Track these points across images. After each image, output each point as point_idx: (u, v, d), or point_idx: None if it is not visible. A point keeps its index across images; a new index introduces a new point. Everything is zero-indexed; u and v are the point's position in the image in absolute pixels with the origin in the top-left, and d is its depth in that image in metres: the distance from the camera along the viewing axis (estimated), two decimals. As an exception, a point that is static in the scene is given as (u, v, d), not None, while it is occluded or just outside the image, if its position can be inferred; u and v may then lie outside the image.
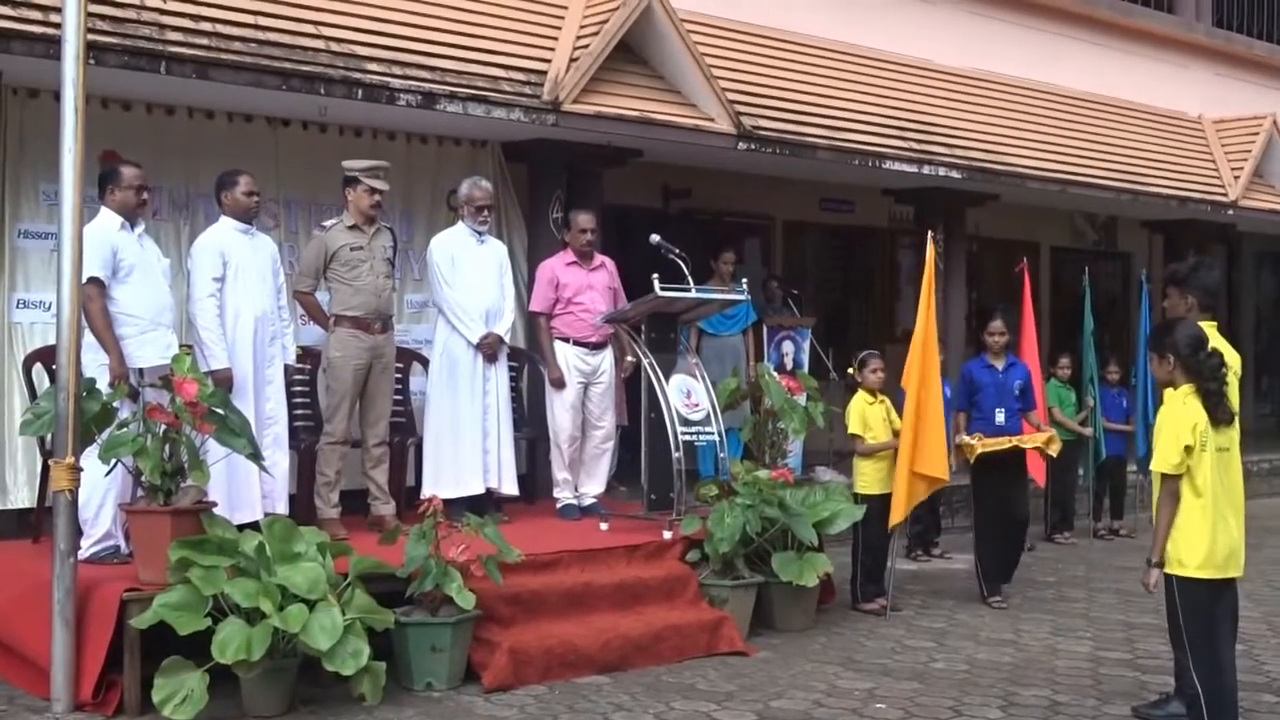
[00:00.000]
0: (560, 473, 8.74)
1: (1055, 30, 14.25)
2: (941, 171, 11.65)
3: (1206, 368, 5.41)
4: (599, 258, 8.92)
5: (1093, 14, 14.54)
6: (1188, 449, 5.35)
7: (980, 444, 8.66)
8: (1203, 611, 5.42)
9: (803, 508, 7.92)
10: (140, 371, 6.81)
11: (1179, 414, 5.41)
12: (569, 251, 8.84)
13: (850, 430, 8.56)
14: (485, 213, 8.53)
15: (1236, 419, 5.52)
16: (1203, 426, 5.37)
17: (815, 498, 8.12)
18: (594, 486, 8.81)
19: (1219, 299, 6.42)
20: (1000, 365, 8.90)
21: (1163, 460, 5.40)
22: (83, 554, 6.38)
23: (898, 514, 8.28)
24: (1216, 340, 6.25)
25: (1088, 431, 11.38)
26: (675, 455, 7.96)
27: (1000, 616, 8.36)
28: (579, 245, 8.78)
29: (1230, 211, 14.35)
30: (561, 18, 9.49)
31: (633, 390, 9.07)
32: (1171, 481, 5.40)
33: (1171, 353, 5.50)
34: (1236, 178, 14.33)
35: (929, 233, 8.96)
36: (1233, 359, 6.21)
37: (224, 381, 7.09)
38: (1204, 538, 5.38)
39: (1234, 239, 17.57)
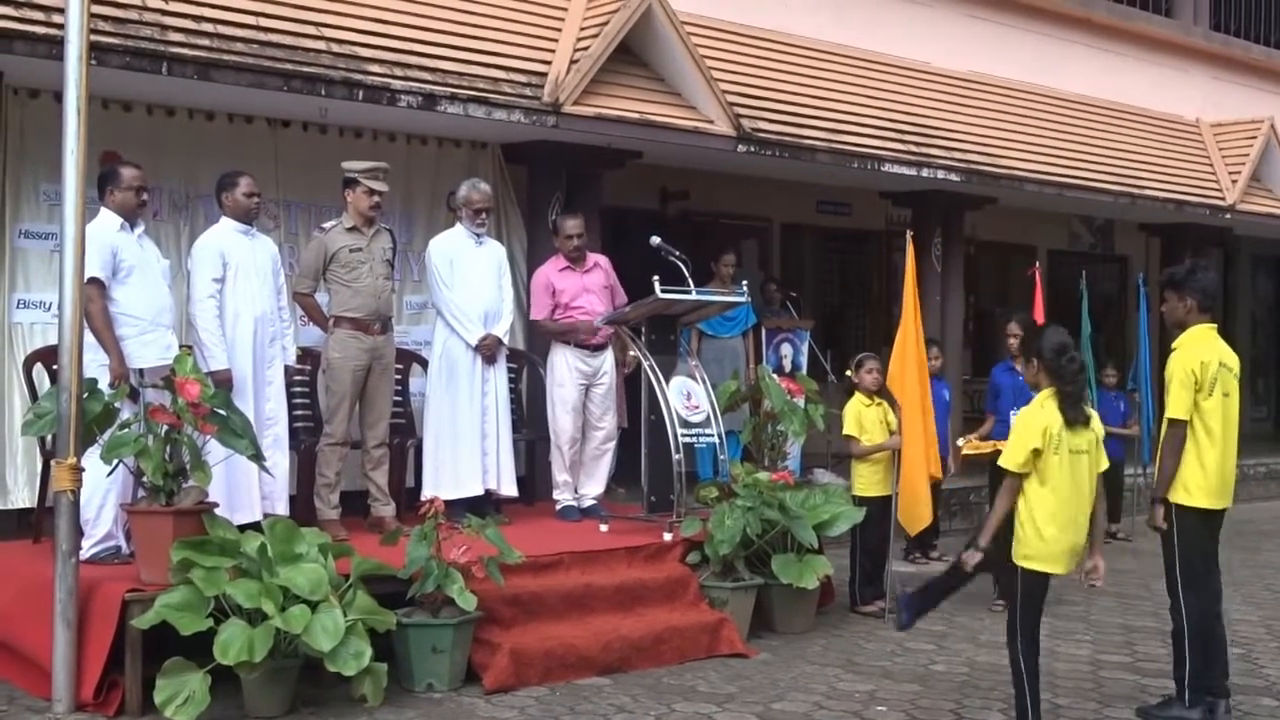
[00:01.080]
0: (560, 474, 8.74)
1: (1053, 34, 14.28)
2: (939, 174, 11.67)
3: (1067, 372, 5.60)
4: (592, 258, 8.93)
5: (1091, 17, 14.58)
6: (1035, 451, 5.53)
7: (968, 446, 8.68)
8: (1033, 600, 5.66)
9: (803, 510, 7.93)
10: (140, 372, 6.81)
11: (1034, 417, 5.60)
12: (561, 257, 8.84)
13: (845, 432, 8.58)
14: (483, 215, 8.54)
15: (1094, 421, 5.68)
16: (1055, 429, 5.54)
17: (815, 500, 8.13)
18: (594, 488, 8.82)
19: (1217, 301, 6.47)
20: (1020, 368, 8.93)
21: (1009, 458, 5.59)
22: (84, 554, 6.37)
23: (921, 519, 8.35)
24: (1215, 342, 6.34)
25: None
26: (675, 457, 7.97)
27: (1000, 619, 8.30)
28: (567, 250, 8.79)
29: (1228, 215, 14.39)
30: (562, 19, 9.51)
31: (632, 392, 9.08)
32: (1014, 479, 5.59)
33: (1036, 357, 5.68)
34: (1234, 181, 14.36)
35: (908, 233, 8.99)
36: (1231, 361, 6.31)
37: (224, 382, 7.09)
38: (1050, 531, 5.56)
39: (1231, 242, 17.59)
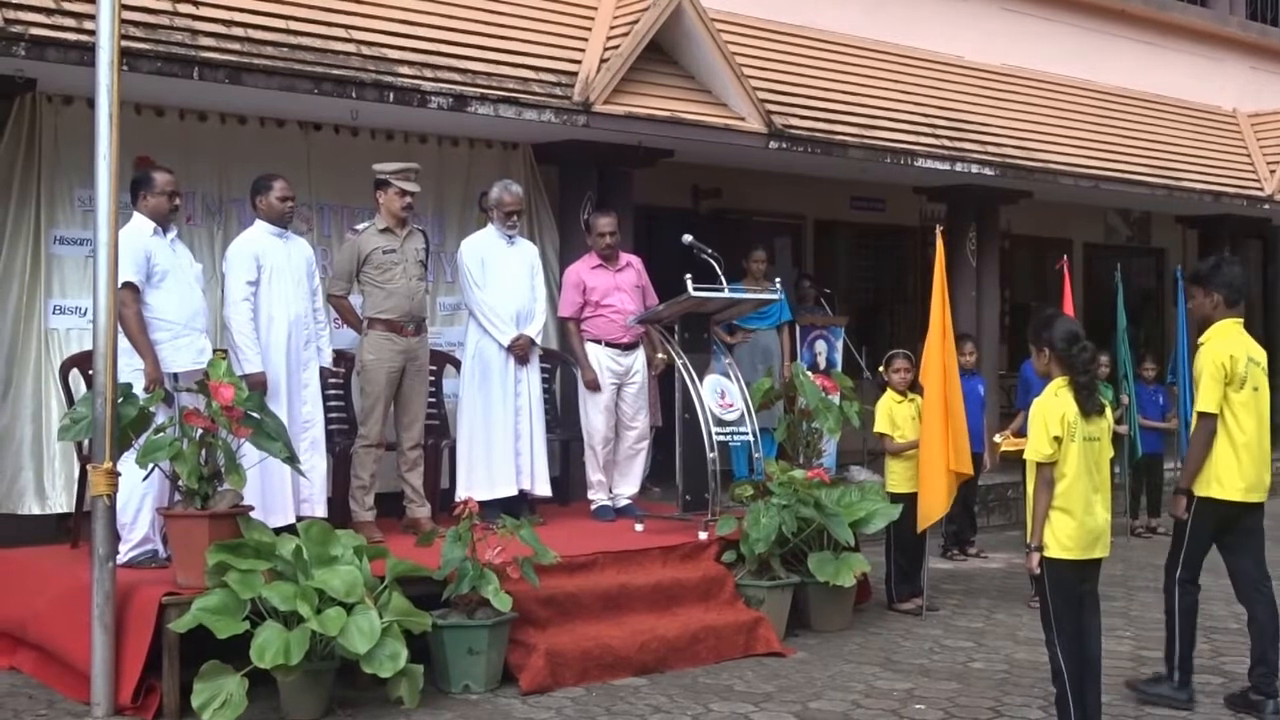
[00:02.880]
0: (595, 474, 8.73)
1: (1088, 25, 14.18)
2: (974, 169, 11.60)
3: (1079, 361, 5.61)
4: (625, 257, 8.92)
5: (1126, 9, 14.46)
6: (1056, 439, 5.55)
7: (1005, 442, 8.60)
8: (1067, 588, 5.64)
9: (839, 507, 7.90)
10: (175, 376, 6.83)
11: (1050, 405, 5.62)
12: (594, 255, 8.83)
13: (876, 429, 8.54)
14: (514, 217, 8.55)
15: (1108, 409, 5.73)
16: (1071, 417, 5.57)
17: (851, 497, 8.10)
18: (628, 487, 8.80)
19: (1244, 295, 6.50)
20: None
21: (1035, 450, 5.60)
22: (121, 558, 6.41)
23: (934, 514, 8.24)
24: (1242, 337, 6.37)
25: (1123, 429, 11.28)
26: (710, 455, 7.95)
27: (1039, 616, 8.29)
28: (600, 248, 8.78)
29: (1266, 206, 14.23)
30: (591, 18, 9.49)
31: (667, 391, 9.06)
32: (1045, 469, 5.60)
33: (1048, 346, 5.70)
34: (1273, 172, 14.21)
35: (938, 228, 8.93)
36: (1259, 355, 6.34)
37: (258, 385, 7.11)
38: (1066, 520, 5.59)
39: (1270, 234, 17.44)
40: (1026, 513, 5.76)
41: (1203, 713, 6.33)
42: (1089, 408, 5.61)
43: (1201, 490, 6.26)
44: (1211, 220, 14.82)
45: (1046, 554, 5.62)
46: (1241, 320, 6.38)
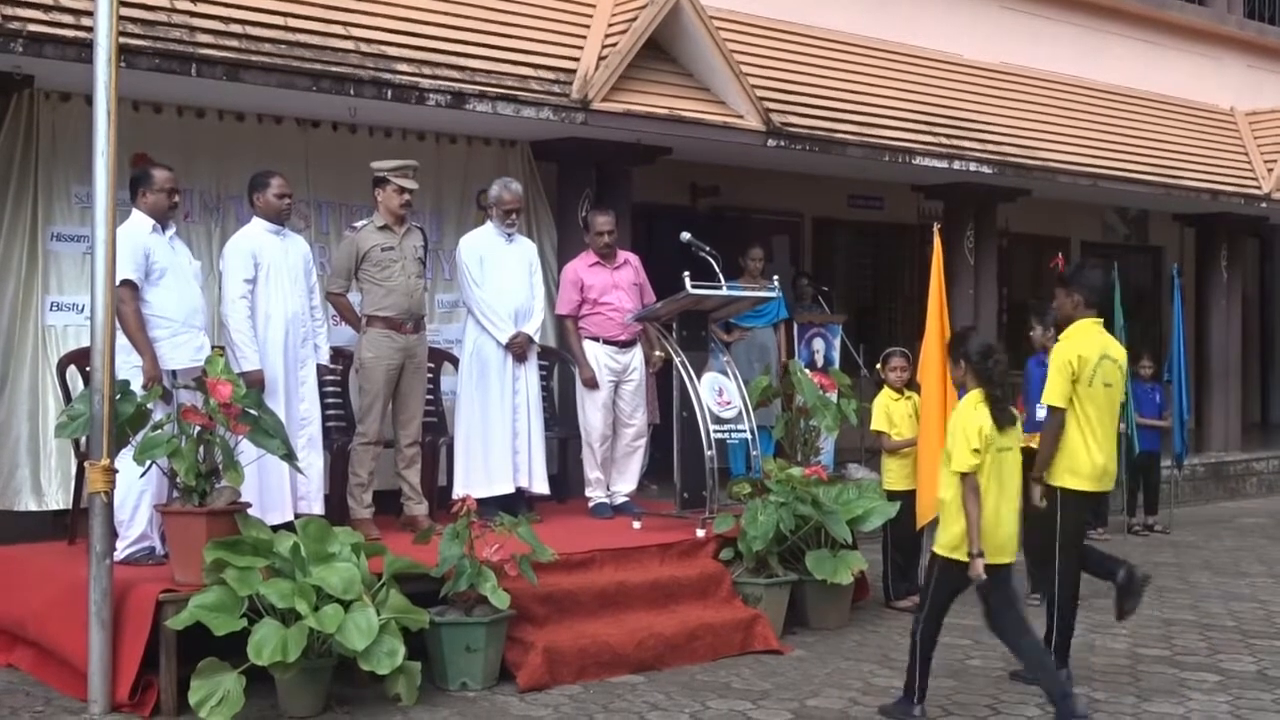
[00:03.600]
0: (592, 472, 8.73)
1: (1086, 24, 14.18)
2: (972, 167, 11.60)
3: (994, 374, 5.91)
4: (622, 255, 8.92)
5: (1124, 7, 14.46)
6: (976, 451, 5.83)
7: None
8: (954, 586, 5.98)
9: (836, 505, 7.90)
10: (173, 373, 6.83)
11: (969, 419, 5.90)
12: (592, 252, 8.83)
13: (873, 427, 8.54)
14: (513, 215, 8.55)
15: (1018, 422, 6.04)
16: (988, 430, 5.85)
17: (849, 495, 8.09)
18: (626, 485, 8.80)
19: (1103, 297, 6.85)
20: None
21: (960, 462, 5.87)
22: (118, 555, 6.40)
23: (931, 511, 8.22)
24: (1100, 335, 6.69)
25: (1121, 427, 11.27)
26: (708, 453, 7.95)
27: (1036, 614, 8.26)
28: (598, 246, 8.78)
29: (1263, 204, 14.24)
30: (590, 16, 9.48)
31: (665, 388, 9.05)
32: (970, 479, 5.84)
33: (964, 359, 6.01)
34: (1270, 170, 14.22)
35: (935, 226, 8.93)
36: (1116, 353, 6.69)
37: (256, 383, 7.10)
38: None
39: (1266, 232, 17.45)
40: (946, 521, 5.99)
41: (1198, 706, 6.33)
42: (1002, 420, 5.88)
43: (1056, 480, 6.56)
44: (1208, 218, 14.83)
45: (949, 555, 5.90)
46: (1100, 320, 6.71)
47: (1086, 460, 6.54)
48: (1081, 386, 6.52)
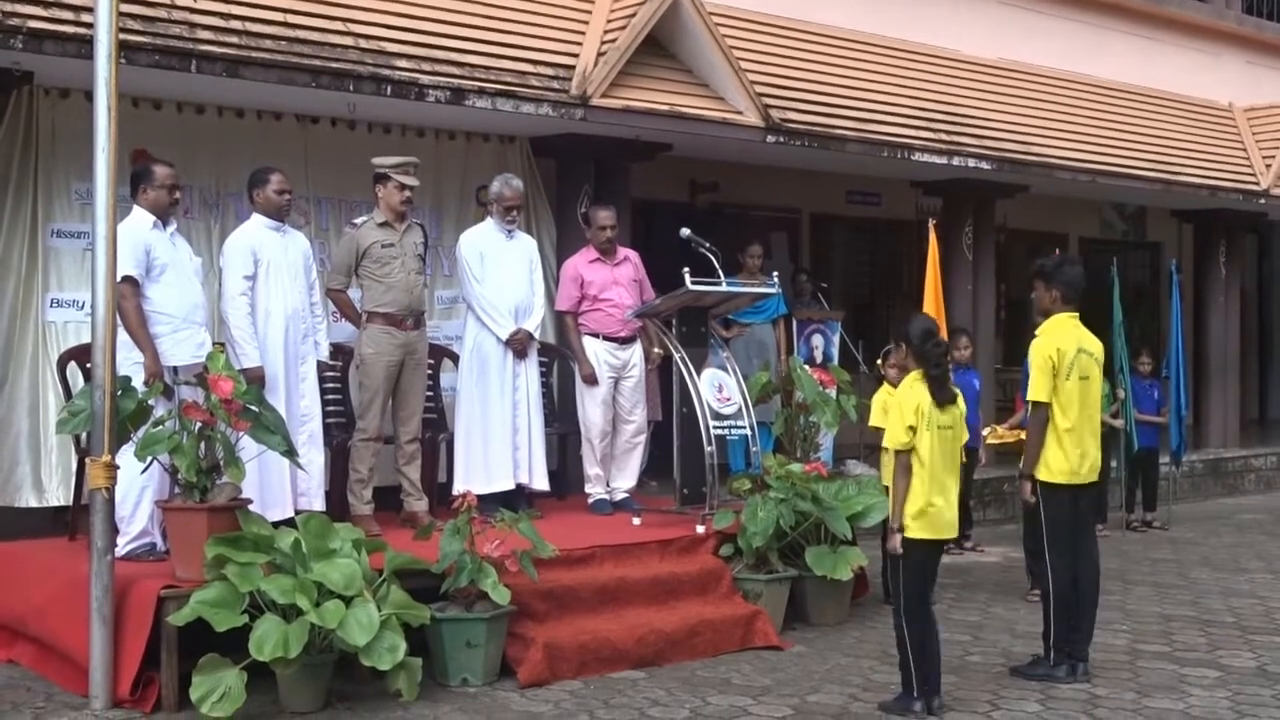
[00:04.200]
0: (592, 468, 8.74)
1: (1084, 20, 14.18)
2: (970, 163, 11.61)
3: (933, 355, 6.09)
4: (622, 251, 8.93)
5: (1123, 2, 14.47)
6: (911, 428, 6.03)
7: (992, 436, 8.63)
8: (921, 568, 6.17)
9: (836, 501, 7.92)
10: (174, 369, 6.84)
11: (906, 396, 6.12)
12: (592, 249, 8.84)
13: (872, 423, 8.54)
14: (514, 212, 8.57)
15: (959, 399, 6.21)
16: (925, 407, 6.04)
17: (848, 491, 8.11)
18: (626, 481, 8.81)
19: (1080, 293, 6.95)
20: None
21: (892, 438, 6.14)
22: (119, 551, 6.41)
23: None
24: (1076, 329, 6.82)
25: (1119, 423, 11.30)
26: (708, 450, 7.96)
27: (1036, 609, 8.27)
28: (600, 242, 8.78)
29: (1262, 200, 14.25)
30: (589, 12, 9.48)
31: (666, 385, 9.06)
32: (903, 456, 6.08)
33: (905, 342, 6.20)
34: (1268, 166, 14.23)
35: (930, 222, 8.95)
36: (1092, 347, 6.84)
37: (256, 379, 7.10)
38: (920, 502, 6.05)
39: (1265, 228, 17.45)
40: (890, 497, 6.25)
41: (1198, 702, 6.34)
42: (941, 397, 6.07)
43: (1037, 475, 6.74)
44: (1207, 214, 14.83)
45: (906, 534, 6.08)
46: (1077, 315, 6.85)
47: (1062, 454, 6.68)
48: (1059, 380, 6.68)
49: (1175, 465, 12.42)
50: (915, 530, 6.07)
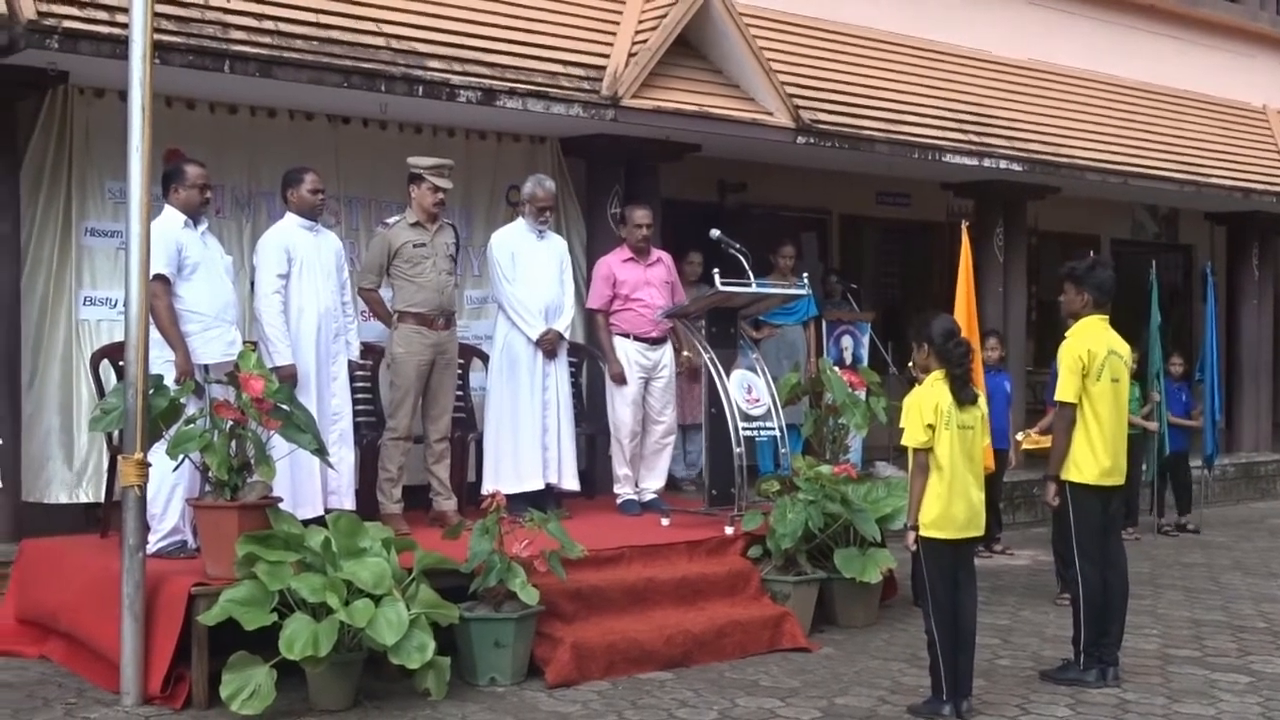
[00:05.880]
0: (621, 468, 8.73)
1: (1116, 20, 14.08)
2: (1001, 164, 11.56)
3: (954, 355, 6.09)
4: (656, 252, 8.92)
5: (1154, 3, 14.36)
6: (930, 426, 6.03)
7: (1027, 441, 8.58)
8: (943, 568, 6.09)
9: (865, 503, 7.90)
10: (205, 368, 6.87)
11: (925, 395, 6.11)
12: (626, 248, 8.84)
13: (903, 425, 8.50)
14: (547, 213, 8.57)
15: (981, 399, 6.23)
16: (945, 406, 6.04)
17: (878, 493, 8.10)
18: (655, 482, 8.80)
19: (1111, 297, 6.95)
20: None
21: (911, 437, 6.11)
22: (151, 549, 6.44)
23: None
24: (1106, 332, 6.82)
25: (1153, 426, 11.22)
26: (736, 451, 7.95)
27: (1065, 614, 8.23)
28: (635, 241, 8.78)
29: (1296, 203, 14.15)
30: (620, 13, 9.48)
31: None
32: (920, 455, 6.08)
33: (927, 341, 6.20)
34: (1302, 168, 14.13)
35: (963, 224, 8.91)
36: (1121, 349, 6.85)
37: (288, 378, 7.12)
38: (940, 502, 6.04)
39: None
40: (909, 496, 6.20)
41: (1229, 708, 6.30)
42: (963, 398, 6.07)
43: (1064, 475, 6.74)
44: (1240, 217, 14.74)
45: (924, 533, 6.07)
46: (1106, 317, 6.86)
47: (1091, 455, 6.68)
48: (1090, 382, 6.68)
49: (1208, 469, 12.33)
50: (932, 530, 6.06)
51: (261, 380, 6.25)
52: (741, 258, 8.47)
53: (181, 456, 6.33)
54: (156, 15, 6.41)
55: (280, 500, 6.52)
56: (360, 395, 8.35)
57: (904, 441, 6.17)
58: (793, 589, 7.57)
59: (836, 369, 9.05)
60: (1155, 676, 6.87)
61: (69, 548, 7.21)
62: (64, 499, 7.90)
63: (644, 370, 8.68)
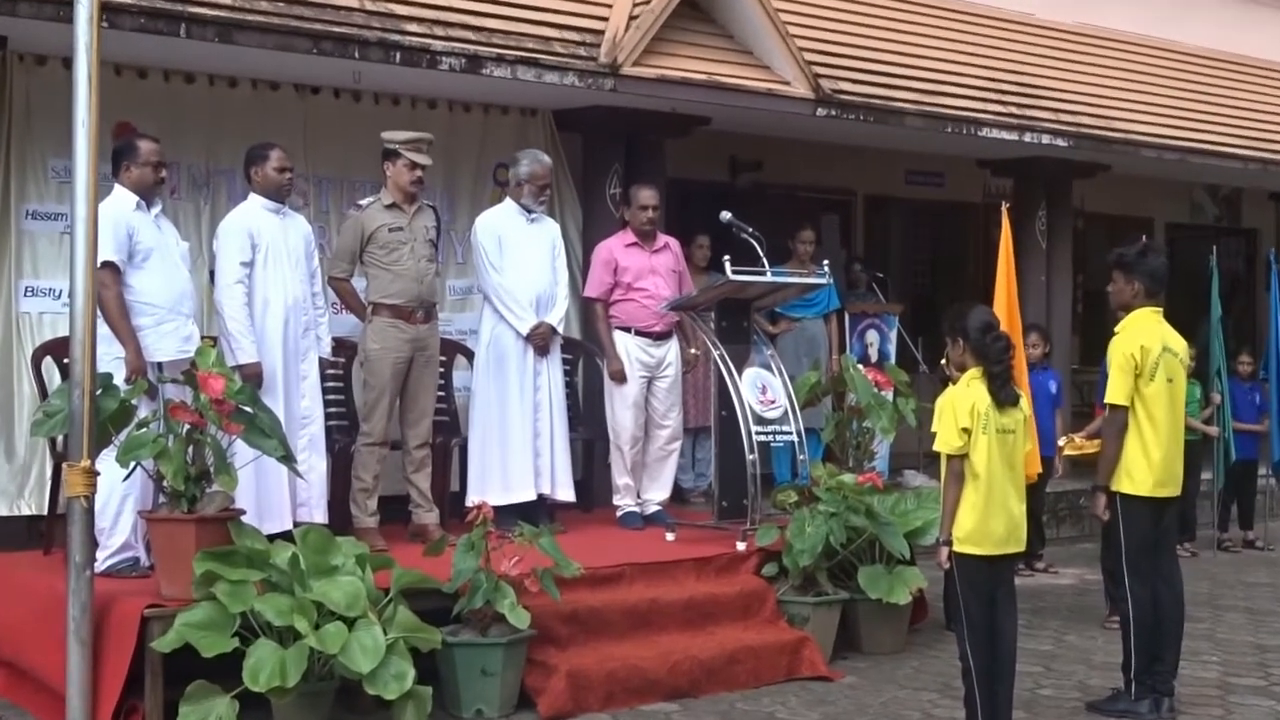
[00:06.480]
0: (621, 477, 8.75)
1: (1173, -20, 14.12)
2: (1045, 139, 11.58)
3: (993, 351, 6.01)
4: (662, 238, 8.94)
5: (1216, -39, 14.40)
6: (965, 430, 5.94)
7: (1069, 446, 8.62)
8: (978, 588, 6.02)
9: (893, 516, 7.91)
10: (159, 366, 6.88)
11: (961, 396, 6.03)
12: (629, 231, 8.85)
13: (935, 428, 8.53)
14: (547, 191, 8.59)
15: (1022, 400, 6.13)
16: (983, 408, 5.96)
17: (906, 505, 8.12)
18: (659, 493, 8.83)
19: (1164, 285, 6.93)
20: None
21: (944, 442, 6.02)
22: (99, 566, 6.44)
23: None
24: (1159, 326, 6.80)
25: (1214, 431, 11.22)
26: (749, 458, 7.96)
27: (1114, 638, 8.24)
28: (640, 224, 8.79)
29: (1371, 182, 14.17)
30: (620, -29, 9.50)
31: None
32: (954, 462, 6.00)
33: (962, 336, 6.11)
34: (1380, 144, 14.13)
35: (1004, 205, 8.92)
36: (1177, 345, 6.81)
37: (252, 377, 7.13)
38: (976, 514, 5.95)
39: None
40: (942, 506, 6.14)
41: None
42: (1003, 398, 5.99)
43: (1114, 485, 6.70)
44: (1311, 197, 14.77)
45: (959, 549, 5.98)
46: (1160, 310, 6.83)
47: (1145, 463, 6.65)
48: (1143, 382, 6.65)
49: (1276, 478, 12.32)
50: (967, 545, 6.03)
51: (222, 380, 6.26)
52: (755, 244, 8.48)
53: (133, 464, 6.33)
54: (105, -26, 6.42)
55: (243, 513, 6.53)
56: (332, 396, 8.36)
57: (936, 447, 6.12)
58: (812, 611, 7.59)
59: (860, 367, 9.07)
60: (1215, 708, 6.89)
61: (9, 566, 7.22)
62: (3, 511, 7.92)
63: (646, 368, 8.69)
